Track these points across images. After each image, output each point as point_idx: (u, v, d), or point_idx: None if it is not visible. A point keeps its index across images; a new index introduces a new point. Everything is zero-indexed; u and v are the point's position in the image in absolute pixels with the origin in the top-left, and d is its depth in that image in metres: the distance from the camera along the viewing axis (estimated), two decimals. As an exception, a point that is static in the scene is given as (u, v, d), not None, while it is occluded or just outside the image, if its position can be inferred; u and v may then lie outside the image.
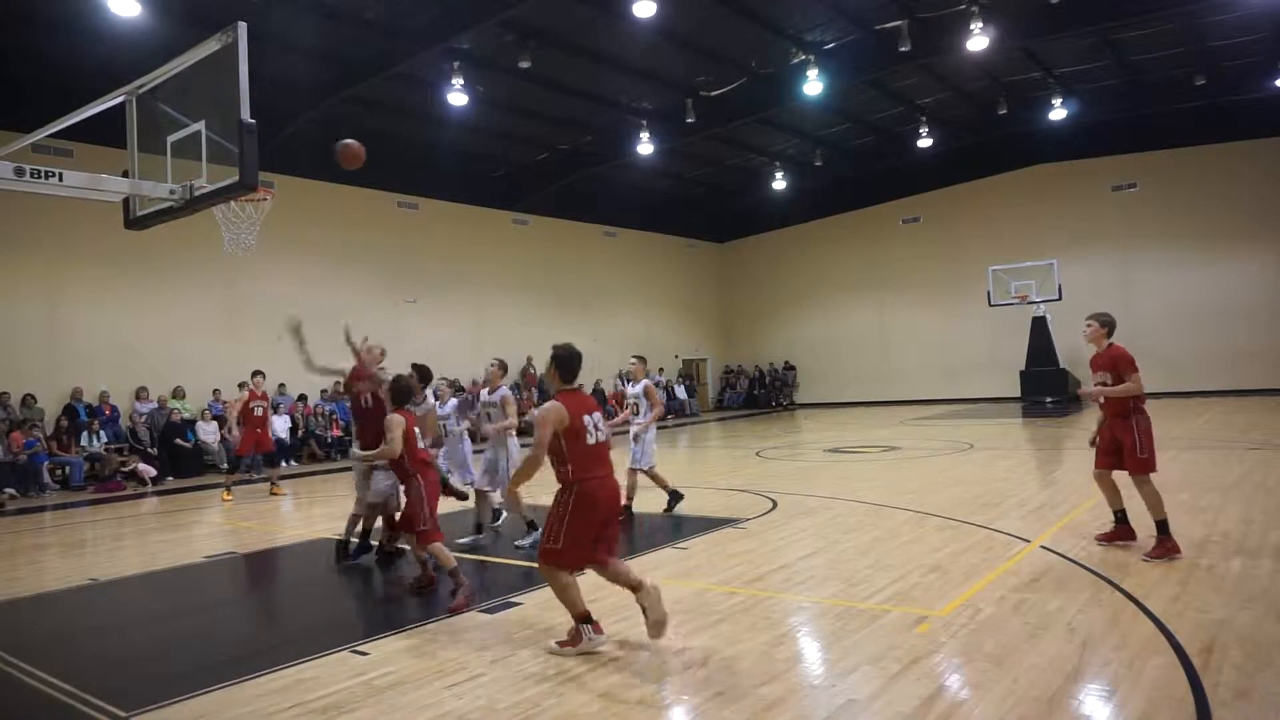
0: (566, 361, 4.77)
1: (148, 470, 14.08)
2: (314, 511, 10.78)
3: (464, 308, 21.84)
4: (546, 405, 4.53)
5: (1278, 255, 21.75)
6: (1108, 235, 23.79)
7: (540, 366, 22.92)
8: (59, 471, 13.85)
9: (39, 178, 5.05)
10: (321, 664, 4.43)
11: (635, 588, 4.45)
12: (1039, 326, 23.48)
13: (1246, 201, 22.00)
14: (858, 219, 28.13)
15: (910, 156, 23.64)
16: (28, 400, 14.25)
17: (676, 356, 28.89)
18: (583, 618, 4.43)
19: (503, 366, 8.12)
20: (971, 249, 25.60)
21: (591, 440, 4.55)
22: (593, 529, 4.43)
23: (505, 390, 7.80)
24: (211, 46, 4.95)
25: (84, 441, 14.34)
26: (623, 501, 7.01)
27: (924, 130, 21.32)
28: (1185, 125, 21.51)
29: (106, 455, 14.35)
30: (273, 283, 17.46)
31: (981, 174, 25.50)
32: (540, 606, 5.30)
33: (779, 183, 24.59)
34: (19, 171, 4.95)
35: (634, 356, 9.20)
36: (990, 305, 24.25)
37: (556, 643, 4.49)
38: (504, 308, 22.77)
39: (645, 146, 19.53)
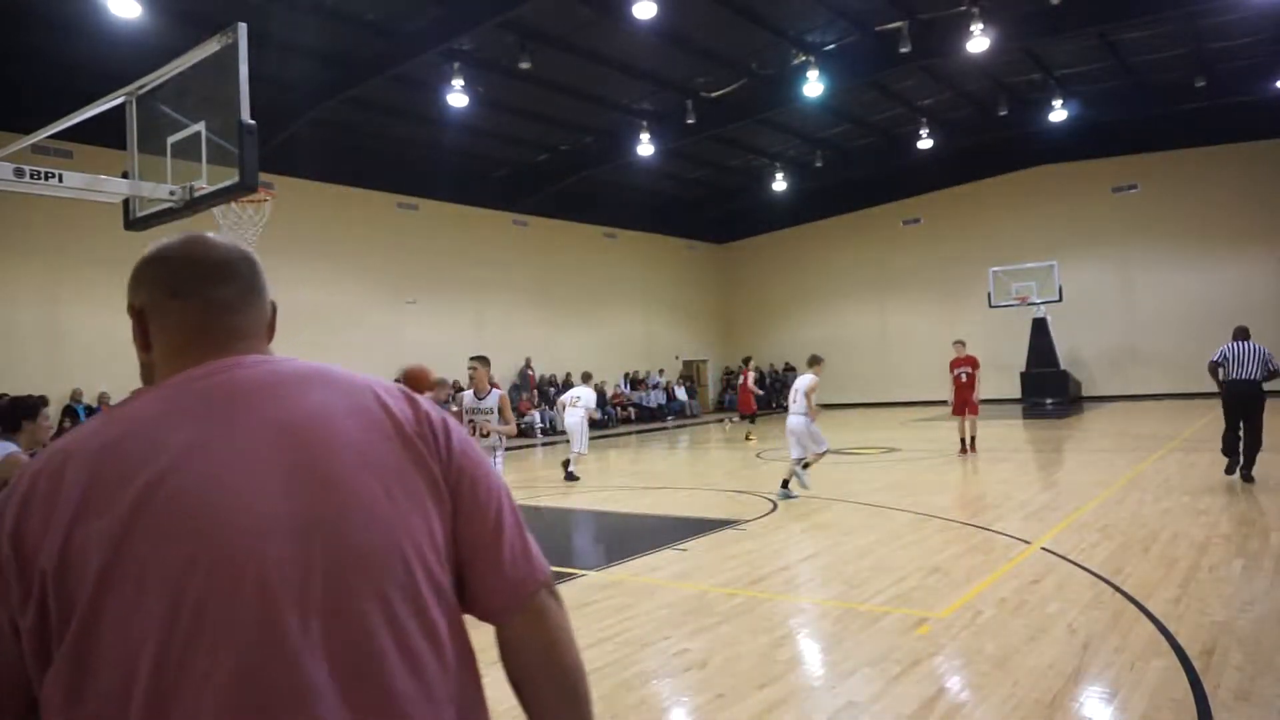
0: None
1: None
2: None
3: (464, 308, 21.83)
4: None
5: (1278, 256, 21.74)
6: (1108, 236, 23.77)
7: (540, 368, 22.92)
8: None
9: (39, 179, 5.05)
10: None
11: None
12: (1039, 328, 23.46)
13: (1246, 203, 21.98)
14: (858, 220, 28.10)
15: (911, 158, 23.59)
16: (28, 401, 14.25)
17: (677, 358, 28.90)
18: None
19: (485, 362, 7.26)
20: (972, 250, 25.56)
21: None
22: None
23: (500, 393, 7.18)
24: (211, 47, 4.96)
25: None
26: None
27: (924, 131, 21.28)
28: (1186, 127, 21.49)
29: None
30: (272, 284, 17.29)
31: (982, 175, 25.47)
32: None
33: (779, 184, 24.57)
34: (19, 172, 4.95)
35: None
36: (991, 306, 24.21)
37: None
38: (504, 309, 22.76)
39: (645, 148, 19.51)
